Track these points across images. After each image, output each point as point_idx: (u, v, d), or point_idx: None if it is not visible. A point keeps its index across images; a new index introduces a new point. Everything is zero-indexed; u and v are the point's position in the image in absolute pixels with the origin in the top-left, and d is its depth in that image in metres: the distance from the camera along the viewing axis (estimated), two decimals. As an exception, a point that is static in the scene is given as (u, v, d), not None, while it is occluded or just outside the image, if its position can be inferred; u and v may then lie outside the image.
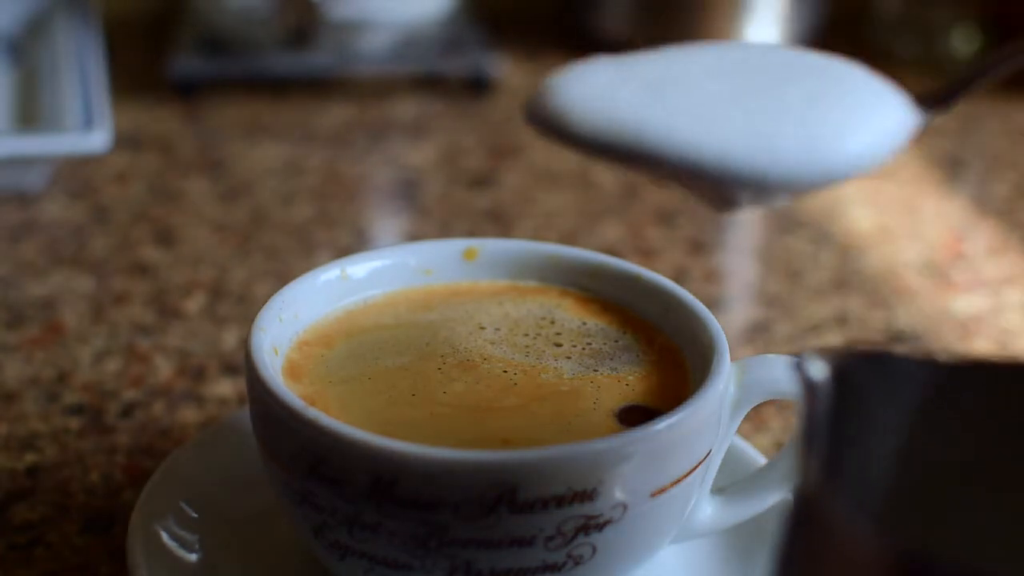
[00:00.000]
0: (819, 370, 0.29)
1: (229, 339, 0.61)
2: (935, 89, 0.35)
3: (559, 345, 0.44)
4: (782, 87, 0.33)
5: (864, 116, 0.33)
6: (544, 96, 0.33)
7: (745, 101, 0.33)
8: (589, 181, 0.81)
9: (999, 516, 0.31)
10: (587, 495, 0.37)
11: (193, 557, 0.43)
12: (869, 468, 0.30)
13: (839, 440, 0.28)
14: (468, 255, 0.48)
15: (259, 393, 0.39)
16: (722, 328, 0.42)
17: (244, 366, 0.41)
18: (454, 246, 0.48)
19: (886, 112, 0.34)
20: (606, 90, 0.33)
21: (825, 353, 0.29)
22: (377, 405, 0.40)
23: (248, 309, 0.64)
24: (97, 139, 0.71)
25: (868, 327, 0.64)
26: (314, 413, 0.37)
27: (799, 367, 0.29)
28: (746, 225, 0.77)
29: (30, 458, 0.52)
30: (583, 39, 1.03)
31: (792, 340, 0.63)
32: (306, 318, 0.44)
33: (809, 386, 0.28)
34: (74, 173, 0.78)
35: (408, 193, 0.80)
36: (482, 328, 0.44)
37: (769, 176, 0.32)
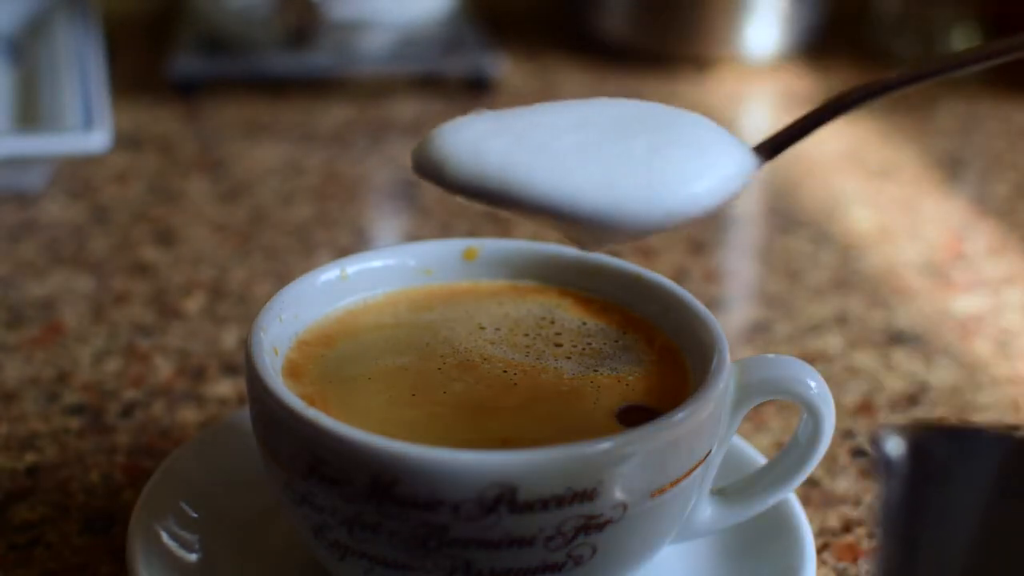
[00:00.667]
0: (896, 446, 0.28)
1: (229, 339, 0.61)
2: (771, 137, 0.38)
3: (559, 345, 0.44)
4: (634, 138, 0.37)
5: (706, 163, 0.37)
6: (425, 147, 0.37)
7: (600, 151, 0.36)
8: (589, 181, 0.81)
9: None
10: (587, 495, 0.37)
11: (193, 557, 0.43)
12: (947, 548, 0.29)
13: (916, 519, 0.28)
14: (468, 255, 0.48)
15: (259, 393, 0.39)
16: (722, 328, 0.42)
17: (244, 366, 0.41)
18: (454, 246, 0.48)
19: (726, 159, 0.37)
20: (478, 142, 0.36)
21: (901, 428, 0.29)
22: (377, 405, 0.40)
23: (248, 309, 0.64)
24: (97, 139, 0.71)
25: (868, 327, 0.64)
26: (314, 413, 0.37)
27: (875, 443, 0.28)
28: (746, 225, 0.77)
29: (30, 458, 0.52)
30: (583, 39, 1.03)
31: (792, 340, 0.63)
32: (306, 318, 0.44)
33: (886, 463, 0.28)
34: (74, 173, 0.78)
35: (408, 193, 0.80)
36: (482, 328, 0.44)
37: (616, 219, 0.36)
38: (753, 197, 0.79)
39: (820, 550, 0.48)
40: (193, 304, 0.65)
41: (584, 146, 0.36)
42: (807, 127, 0.38)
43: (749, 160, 0.38)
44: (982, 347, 0.63)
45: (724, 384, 0.40)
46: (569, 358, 0.43)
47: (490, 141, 0.36)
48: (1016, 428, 0.30)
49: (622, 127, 0.37)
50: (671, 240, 0.73)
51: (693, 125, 0.38)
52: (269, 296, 0.44)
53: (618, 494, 0.37)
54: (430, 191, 0.79)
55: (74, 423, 0.55)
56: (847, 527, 0.49)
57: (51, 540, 0.47)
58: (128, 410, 0.56)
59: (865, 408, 0.57)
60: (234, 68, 0.91)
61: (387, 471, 0.36)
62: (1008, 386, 0.60)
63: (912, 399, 0.58)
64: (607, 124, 0.37)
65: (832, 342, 0.63)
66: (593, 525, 0.37)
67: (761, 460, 0.47)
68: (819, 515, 0.50)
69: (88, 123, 0.71)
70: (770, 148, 0.38)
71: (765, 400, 0.42)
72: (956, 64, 0.38)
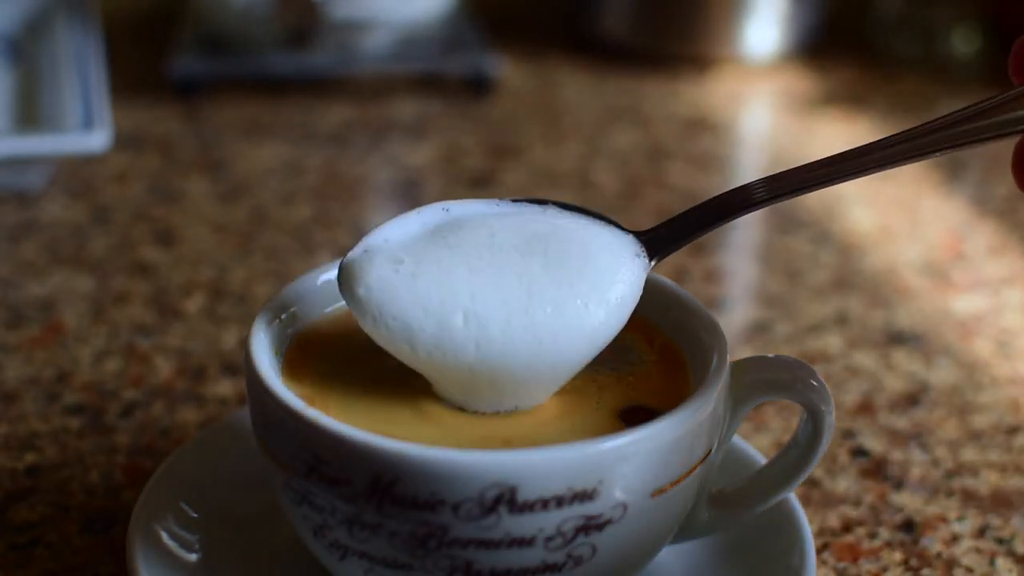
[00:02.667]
0: None
1: (229, 339, 0.61)
2: (660, 236, 0.41)
3: (559, 345, 0.44)
4: (539, 275, 0.39)
5: (604, 289, 0.39)
6: (345, 285, 0.39)
7: (508, 298, 0.39)
8: (589, 181, 0.81)
9: None
10: (587, 495, 0.37)
11: (193, 557, 0.43)
12: None
13: None
14: (468, 255, 0.47)
15: (259, 393, 0.39)
16: (722, 328, 0.42)
17: (244, 366, 0.41)
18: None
19: (621, 277, 0.40)
20: (390, 292, 0.39)
21: None
22: (377, 405, 0.40)
23: (248, 309, 0.64)
24: (97, 139, 0.71)
25: (868, 327, 0.64)
26: (314, 413, 0.37)
27: None
28: (746, 225, 0.77)
29: (30, 458, 0.52)
30: (583, 39, 1.03)
31: (792, 340, 0.63)
32: (306, 318, 0.44)
33: None
34: (74, 173, 0.78)
35: (408, 193, 0.80)
36: (482, 328, 0.44)
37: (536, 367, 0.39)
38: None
39: (820, 550, 0.48)
40: (193, 304, 0.65)
41: (497, 297, 0.39)
42: (695, 231, 0.41)
43: (639, 271, 0.40)
44: (982, 347, 0.63)
45: (724, 384, 0.40)
46: (569, 358, 0.43)
47: (404, 287, 0.39)
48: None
49: (527, 259, 0.39)
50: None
51: (591, 239, 0.40)
52: (269, 296, 0.44)
53: (618, 494, 0.37)
54: (431, 191, 0.79)
55: (74, 423, 0.55)
56: (847, 527, 0.49)
57: (51, 540, 0.47)
58: (128, 410, 0.56)
59: (865, 408, 0.57)
60: (234, 68, 0.91)
61: (387, 471, 0.36)
62: (1008, 386, 0.60)
63: (912, 399, 0.58)
64: (514, 259, 0.39)
65: (832, 342, 0.63)
66: (593, 525, 0.37)
67: (761, 460, 0.47)
68: (819, 515, 0.50)
69: (88, 123, 0.71)
70: (660, 251, 0.41)
71: (765, 400, 0.42)
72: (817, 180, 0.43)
